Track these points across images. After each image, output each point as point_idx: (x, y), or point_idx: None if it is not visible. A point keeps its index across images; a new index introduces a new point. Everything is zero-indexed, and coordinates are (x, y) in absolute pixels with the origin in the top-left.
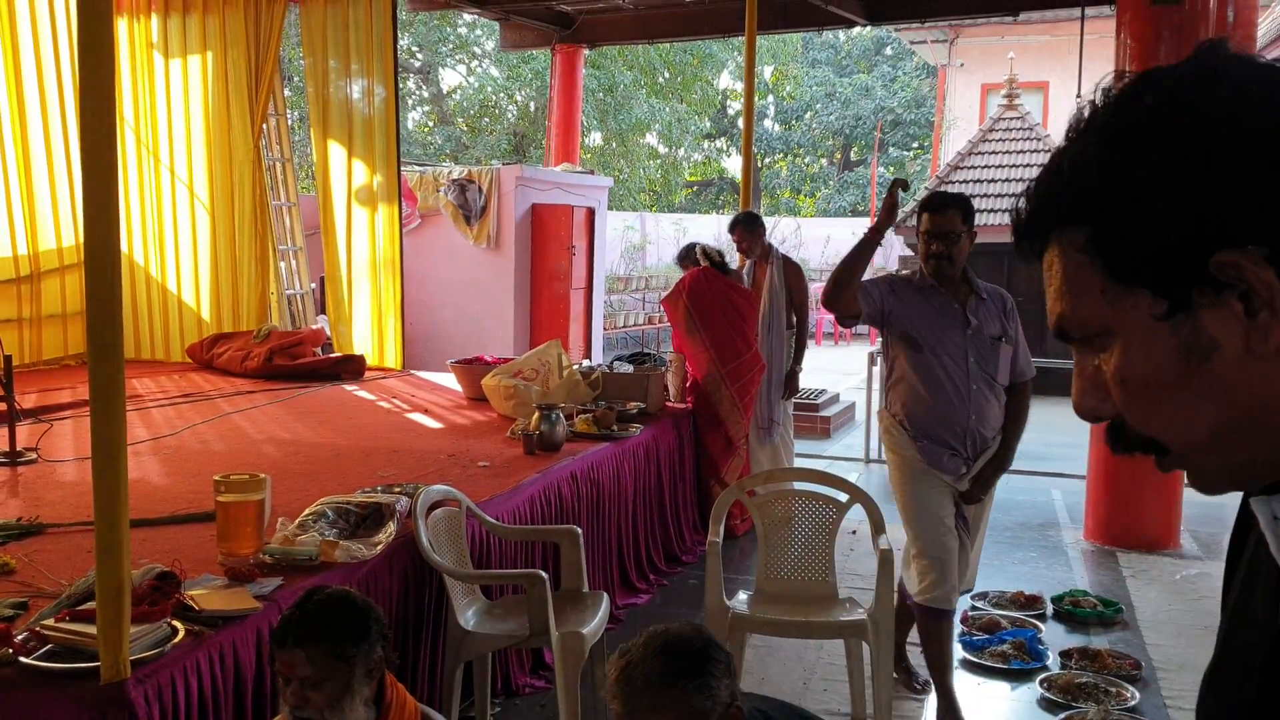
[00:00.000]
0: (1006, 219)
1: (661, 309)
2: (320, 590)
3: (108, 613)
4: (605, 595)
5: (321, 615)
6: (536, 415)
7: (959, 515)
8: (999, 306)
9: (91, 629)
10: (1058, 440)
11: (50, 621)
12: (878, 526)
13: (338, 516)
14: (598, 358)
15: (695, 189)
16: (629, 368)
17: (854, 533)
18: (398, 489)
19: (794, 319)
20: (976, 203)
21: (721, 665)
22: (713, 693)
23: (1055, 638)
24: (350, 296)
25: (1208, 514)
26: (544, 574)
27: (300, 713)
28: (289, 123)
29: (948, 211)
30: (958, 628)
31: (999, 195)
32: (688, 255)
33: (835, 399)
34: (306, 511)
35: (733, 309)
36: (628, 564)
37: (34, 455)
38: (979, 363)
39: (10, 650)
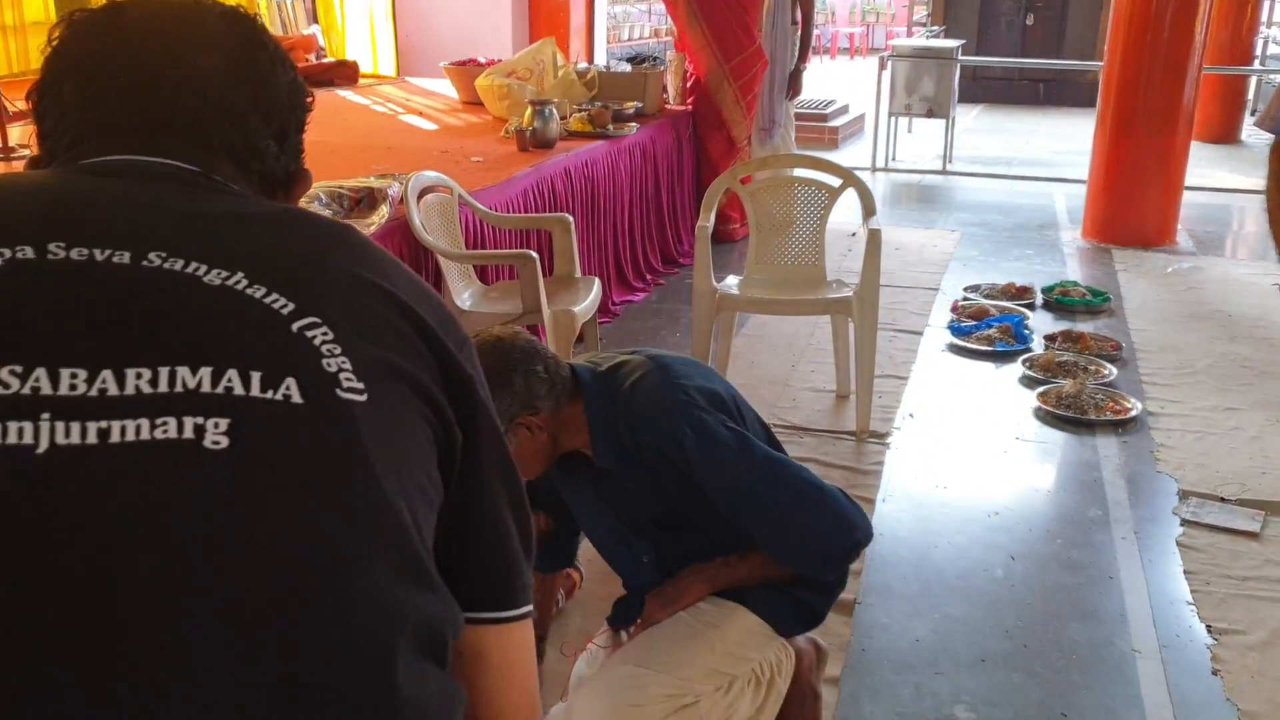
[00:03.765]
0: None
1: (669, 18)
2: None
3: None
4: (597, 279)
5: None
6: (530, 110)
7: None
8: None
9: None
10: (1064, 148)
11: None
12: (868, 210)
13: (330, 200)
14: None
15: None
16: (627, 67)
17: (853, 235)
18: (391, 177)
19: (798, 15)
20: None
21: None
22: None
23: (1042, 324)
24: (341, 1)
25: (1208, 213)
26: (534, 254)
27: None
28: None
29: None
30: (947, 316)
31: None
32: None
33: (845, 109)
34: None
35: None
36: (624, 264)
37: (28, 151)
38: None
39: None
